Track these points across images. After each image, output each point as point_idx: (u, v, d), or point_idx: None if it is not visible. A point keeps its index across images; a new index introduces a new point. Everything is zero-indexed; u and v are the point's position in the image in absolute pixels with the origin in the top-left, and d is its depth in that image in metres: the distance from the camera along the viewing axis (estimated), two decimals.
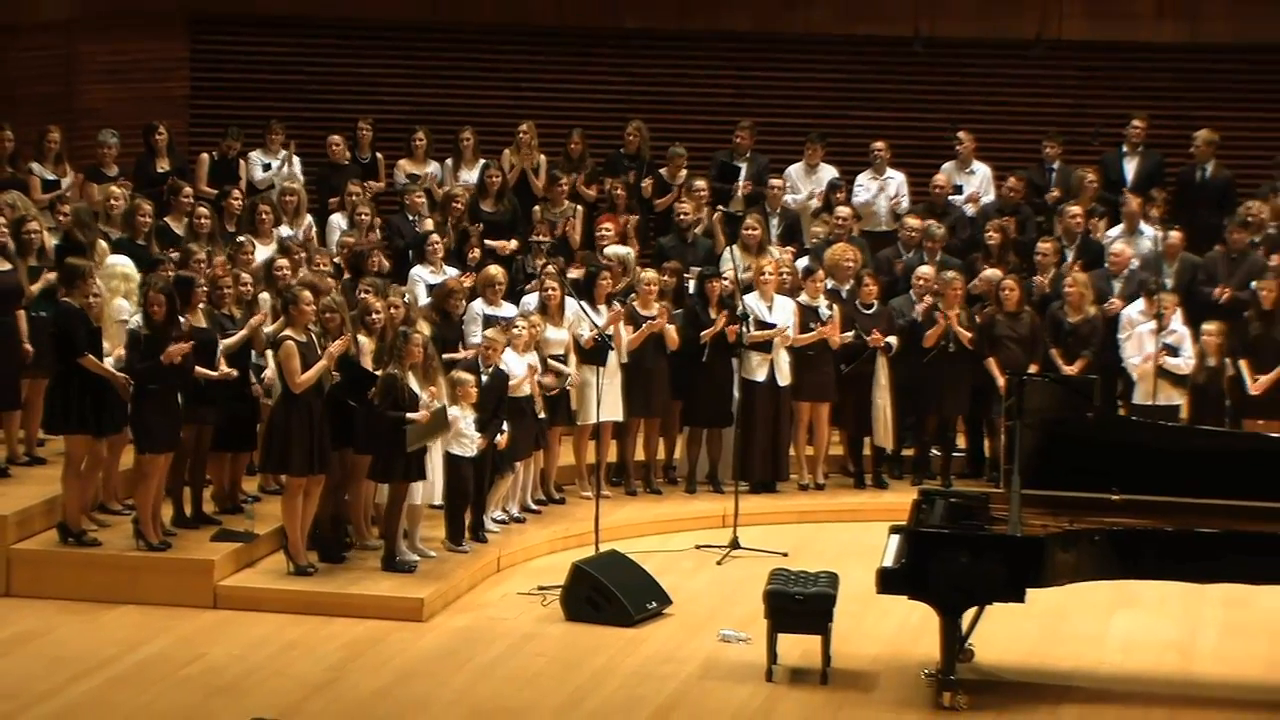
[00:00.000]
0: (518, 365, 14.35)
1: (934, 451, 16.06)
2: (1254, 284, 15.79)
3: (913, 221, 16.91)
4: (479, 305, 15.27)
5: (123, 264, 14.58)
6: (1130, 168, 17.87)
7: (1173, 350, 15.28)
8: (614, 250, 16.24)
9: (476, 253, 16.41)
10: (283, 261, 14.86)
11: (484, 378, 13.94)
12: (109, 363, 13.27)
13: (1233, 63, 18.97)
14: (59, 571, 13.34)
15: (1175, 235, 16.46)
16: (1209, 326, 15.40)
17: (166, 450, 13.30)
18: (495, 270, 15.64)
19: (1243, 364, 15.35)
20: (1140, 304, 15.53)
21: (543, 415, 14.74)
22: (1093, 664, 12.51)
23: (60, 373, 13.34)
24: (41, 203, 16.01)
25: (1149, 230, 16.76)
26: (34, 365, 14.13)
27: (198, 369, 13.32)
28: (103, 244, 15.01)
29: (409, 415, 13.17)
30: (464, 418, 13.74)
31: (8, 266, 14.21)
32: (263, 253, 15.53)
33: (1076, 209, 16.87)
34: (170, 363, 13.02)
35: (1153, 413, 14.97)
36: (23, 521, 13.59)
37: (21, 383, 14.26)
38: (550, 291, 15.05)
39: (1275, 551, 11.75)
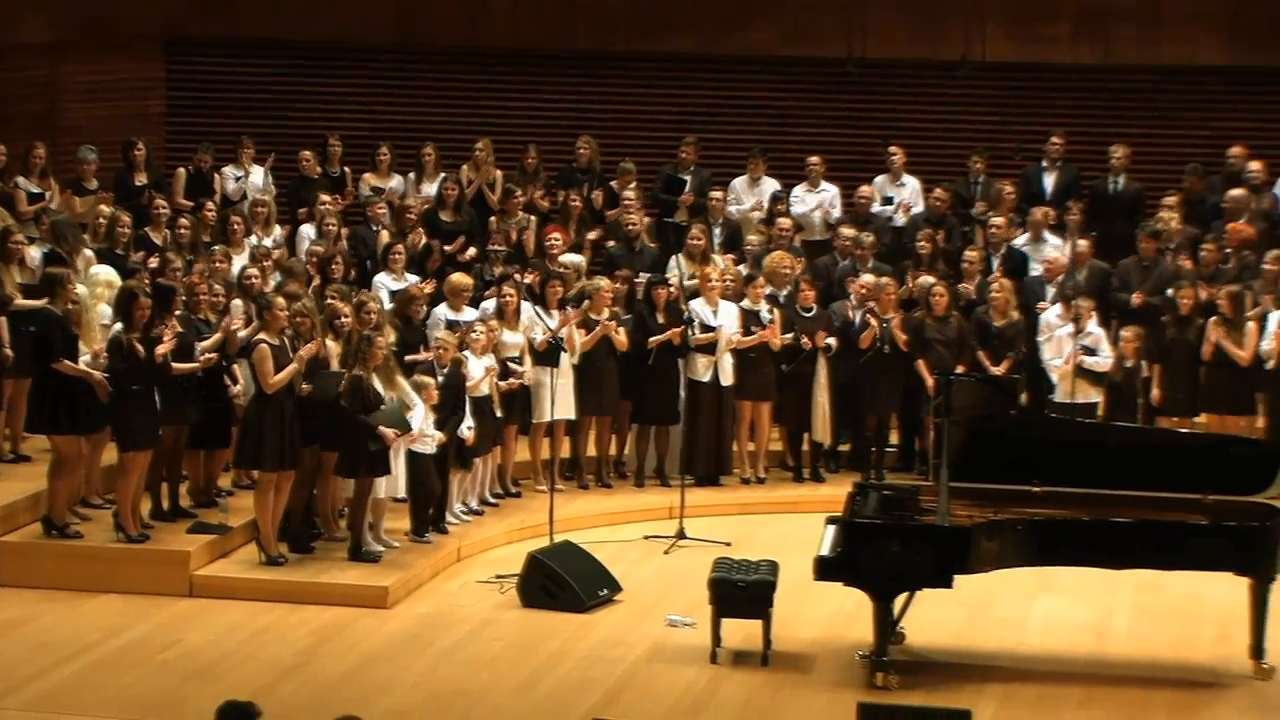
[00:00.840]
0: (476, 367, 14.35)
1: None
2: (1169, 291, 15.86)
3: (847, 231, 16.95)
4: (442, 310, 15.25)
5: (106, 273, 14.56)
6: (1049, 181, 17.95)
7: (1090, 351, 15.34)
8: (568, 258, 16.24)
9: (438, 261, 16.41)
10: (253, 270, 14.86)
11: (441, 378, 13.93)
12: (88, 363, 13.24)
13: (1143, 83, 19.07)
14: (43, 562, 13.30)
15: (1084, 243, 16.53)
16: (1127, 331, 15.46)
17: (146, 447, 13.28)
18: (462, 278, 15.63)
19: (1155, 369, 15.42)
20: (1059, 308, 15.59)
21: (500, 414, 14.73)
22: (1015, 645, 12.56)
23: (40, 375, 13.35)
24: (27, 215, 15.96)
25: (1053, 240, 16.85)
26: (15, 369, 14.07)
27: (175, 365, 13.28)
28: (88, 253, 15.00)
29: (380, 430, 13.20)
30: (425, 418, 13.72)
31: None
32: (236, 262, 15.49)
33: (999, 219, 16.94)
34: (151, 361, 13.01)
35: (1072, 410, 15.04)
36: (8, 515, 13.58)
37: (4, 384, 14.18)
38: (508, 297, 15.04)
39: (1183, 539, 11.84)
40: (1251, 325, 15.36)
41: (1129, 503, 12.08)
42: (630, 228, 17.03)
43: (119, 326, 13.26)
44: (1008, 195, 17.34)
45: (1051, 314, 15.66)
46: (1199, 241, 16.64)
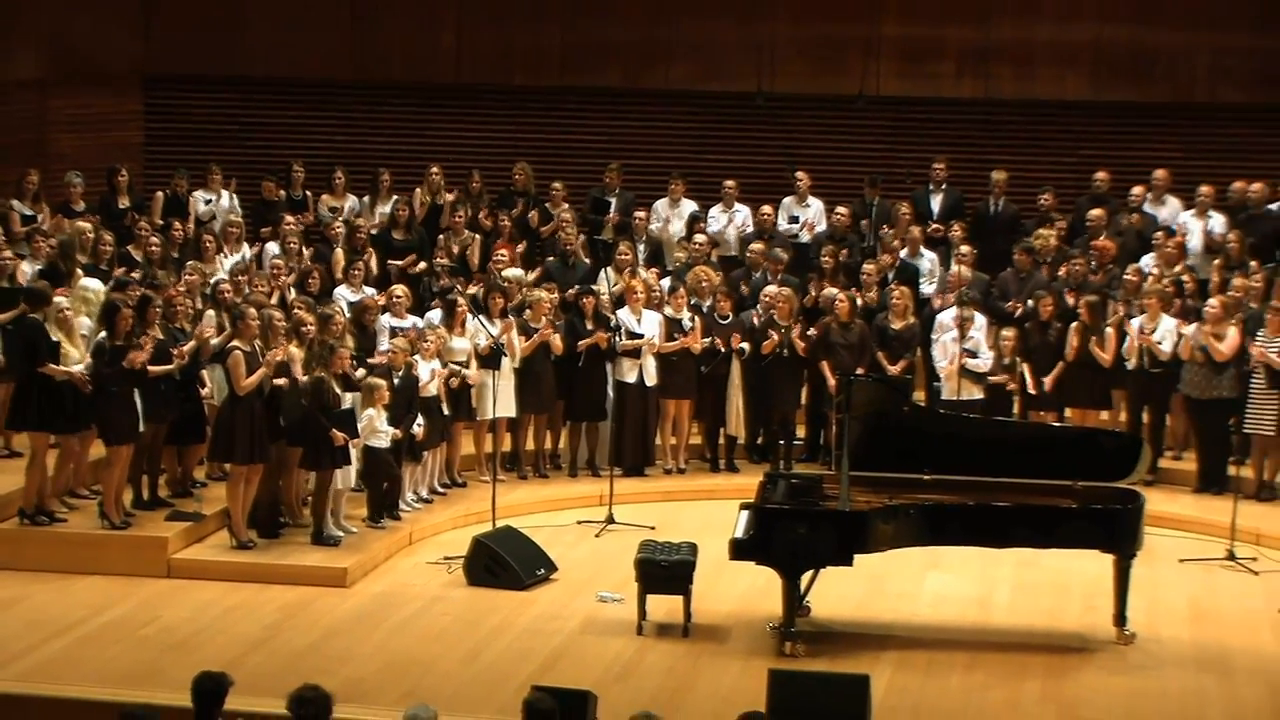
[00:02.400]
0: (425, 370, 14.32)
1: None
2: (1030, 301, 15.96)
3: (757, 246, 16.98)
4: (386, 318, 15.20)
5: (93, 286, 14.45)
6: (936, 202, 18.01)
7: (972, 353, 15.41)
8: (511, 272, 16.19)
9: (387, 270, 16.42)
10: (225, 284, 14.79)
11: (396, 380, 13.89)
12: (79, 368, 13.16)
13: (1018, 115, 19.15)
14: (33, 547, 13.23)
15: (965, 250, 16.53)
16: (1006, 332, 15.54)
17: (128, 442, 13.23)
18: (398, 287, 15.61)
19: (1025, 367, 15.50)
20: (953, 312, 15.63)
21: (447, 412, 14.69)
22: (908, 616, 12.62)
23: (23, 379, 13.27)
24: (20, 235, 15.85)
25: (929, 254, 16.92)
26: (5, 373, 13.96)
27: (151, 368, 13.21)
28: (78, 270, 14.93)
29: (335, 433, 13.18)
30: (379, 416, 13.68)
31: None
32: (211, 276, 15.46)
33: (894, 237, 17.01)
34: (132, 367, 12.95)
35: (957, 406, 15.07)
36: (4, 504, 13.47)
37: None
38: (459, 307, 15.01)
39: (1055, 522, 11.94)
40: (1111, 330, 15.47)
41: (1008, 489, 12.17)
42: (568, 245, 17.00)
43: (103, 334, 13.21)
44: (903, 215, 17.40)
45: (946, 316, 15.69)
46: (1068, 256, 16.74)
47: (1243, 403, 14.97)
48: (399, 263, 16.80)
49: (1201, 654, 11.93)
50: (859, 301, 15.94)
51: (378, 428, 13.68)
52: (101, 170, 17.86)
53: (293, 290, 15.34)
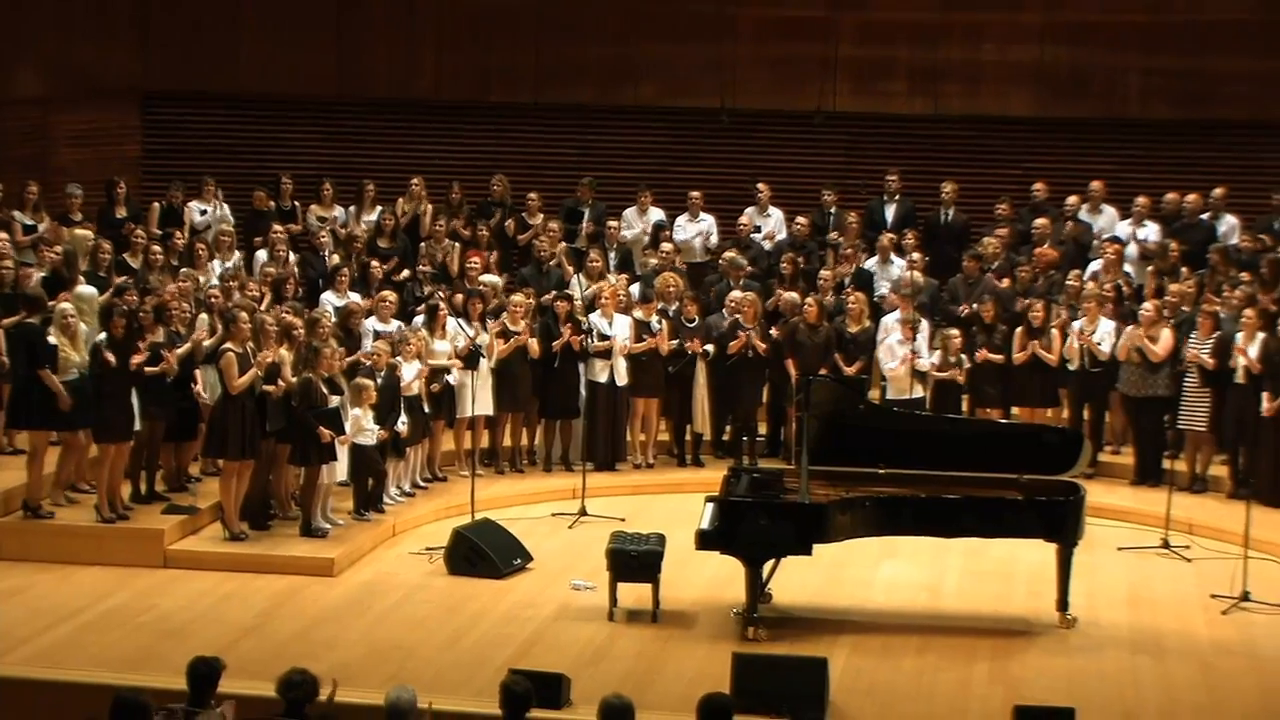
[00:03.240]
0: (409, 371, 14.27)
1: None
2: (975, 305, 15.97)
3: (728, 254, 16.97)
4: (371, 321, 15.15)
5: (90, 291, 14.38)
6: (890, 212, 18.03)
7: (916, 354, 15.41)
8: (487, 278, 16.16)
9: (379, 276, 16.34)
10: (217, 290, 14.74)
11: (379, 381, 13.84)
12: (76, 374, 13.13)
13: (966, 130, 19.20)
14: (37, 539, 13.17)
15: (917, 258, 16.59)
16: (952, 332, 15.56)
17: (120, 441, 13.20)
18: (387, 293, 15.55)
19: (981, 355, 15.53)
20: (899, 314, 15.63)
21: (429, 410, 14.65)
22: (863, 602, 12.62)
23: (23, 380, 13.23)
24: (24, 244, 15.76)
25: (899, 261, 16.94)
26: (7, 375, 13.88)
27: (147, 368, 13.20)
28: (80, 277, 14.86)
29: (321, 430, 13.13)
30: (365, 415, 13.64)
31: None
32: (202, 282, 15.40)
33: (849, 245, 17.01)
34: (130, 368, 12.96)
35: (906, 404, 15.09)
36: (6, 499, 13.40)
37: (3, 388, 13.98)
38: (440, 311, 14.97)
39: (1001, 512, 11.96)
40: (1056, 332, 15.50)
41: (957, 482, 12.19)
42: (542, 253, 16.97)
43: (101, 337, 13.17)
44: (852, 224, 17.40)
45: (892, 319, 15.69)
46: (1014, 263, 16.78)
47: (1177, 401, 15.03)
48: (383, 267, 16.72)
49: (1138, 636, 11.96)
50: (821, 305, 15.96)
51: (364, 426, 13.63)
52: (101, 182, 17.79)
53: (269, 296, 15.21)
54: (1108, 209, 17.64)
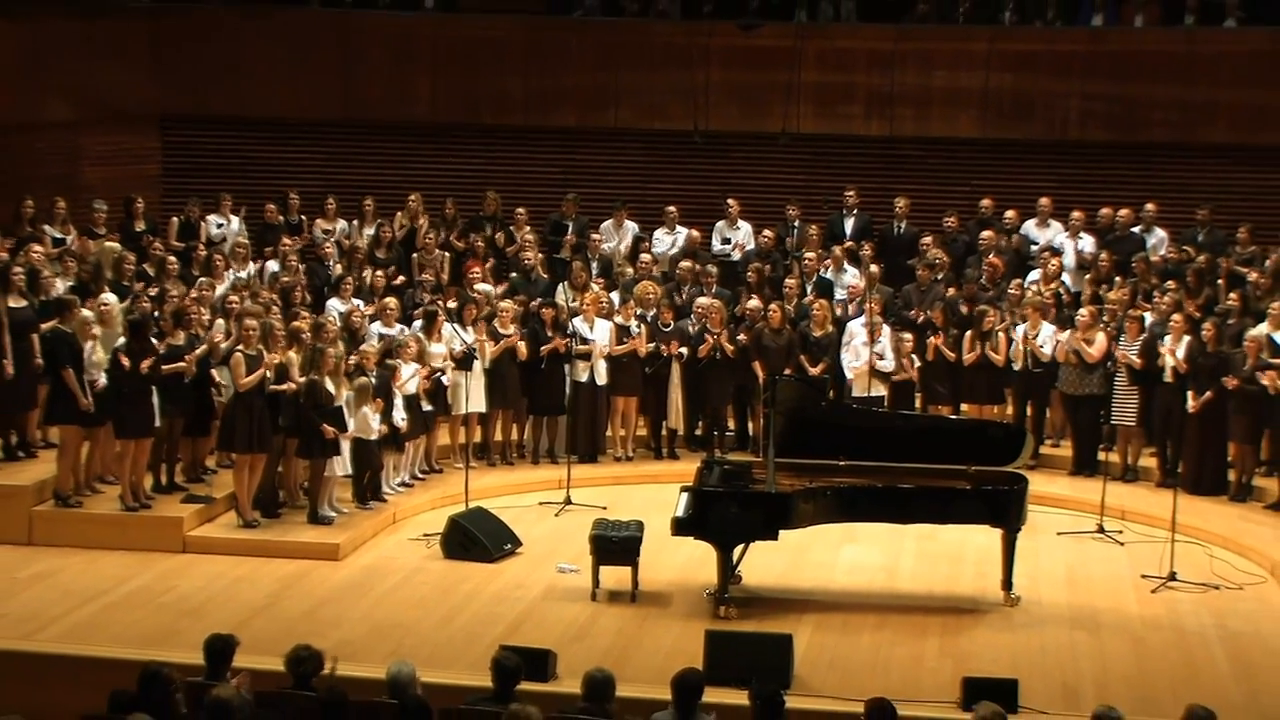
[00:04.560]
0: (407, 371, 14.26)
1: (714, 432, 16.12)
2: (928, 311, 16.00)
3: (685, 264, 16.94)
4: (376, 326, 15.13)
5: (110, 300, 14.34)
6: (848, 225, 18.05)
7: (881, 356, 15.44)
8: (481, 287, 16.14)
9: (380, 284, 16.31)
10: (233, 296, 14.71)
11: (373, 379, 13.78)
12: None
13: (917, 150, 19.19)
14: (67, 526, 13.15)
15: (874, 270, 16.62)
16: (905, 336, 15.59)
17: (139, 437, 13.15)
18: (389, 300, 15.54)
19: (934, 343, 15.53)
20: (863, 319, 15.65)
21: (428, 407, 14.63)
22: (826, 583, 12.64)
23: (55, 380, 13.21)
24: (53, 255, 15.71)
25: (851, 270, 16.95)
26: (44, 375, 13.83)
27: (165, 367, 13.18)
28: (105, 286, 14.83)
29: (325, 427, 13.12)
30: (371, 414, 13.61)
31: (24, 303, 13.91)
32: (218, 289, 15.34)
33: (811, 255, 17.03)
34: (144, 371, 12.95)
35: (866, 402, 15.12)
36: (40, 489, 13.38)
37: (39, 388, 13.93)
38: (438, 317, 14.95)
39: (951, 501, 12.02)
40: (1002, 336, 15.53)
41: (911, 473, 12.21)
42: (527, 262, 16.97)
43: (120, 342, 13.13)
44: (813, 236, 17.42)
45: (856, 324, 15.71)
46: (961, 272, 16.82)
47: (1109, 398, 15.07)
48: (382, 275, 16.68)
49: (1075, 614, 12.01)
50: (786, 311, 15.97)
51: (370, 423, 13.61)
52: (123, 199, 17.77)
53: (279, 301, 15.17)
54: (1054, 223, 17.69)
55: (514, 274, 17.09)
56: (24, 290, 13.96)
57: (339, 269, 16.57)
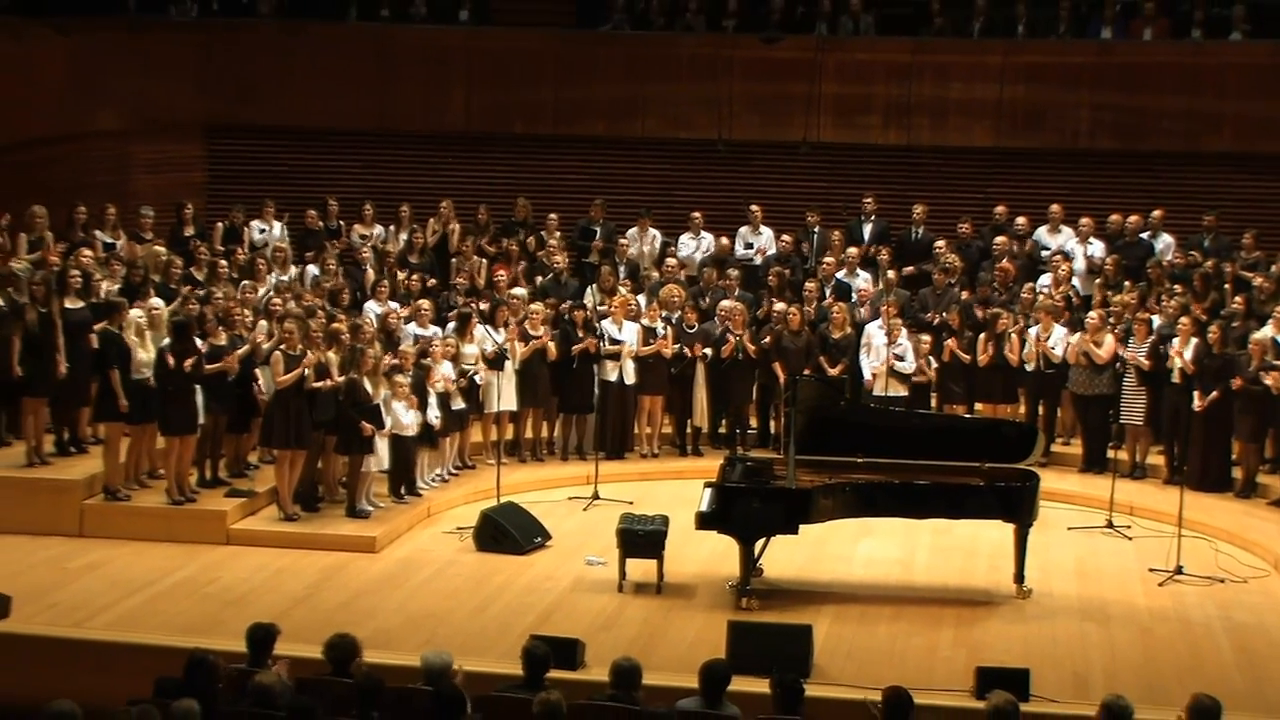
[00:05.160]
0: (446, 369, 14.28)
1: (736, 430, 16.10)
2: (944, 314, 15.95)
3: (708, 269, 16.92)
4: (411, 326, 15.15)
5: (157, 302, 14.39)
6: (867, 230, 18.00)
7: (899, 357, 15.41)
8: (518, 291, 16.12)
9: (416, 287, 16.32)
10: (276, 299, 14.74)
11: (409, 378, 13.79)
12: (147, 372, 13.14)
13: (934, 159, 19.11)
14: (117, 519, 13.19)
15: (891, 275, 16.61)
16: (924, 337, 15.56)
17: (182, 434, 13.19)
18: (423, 302, 15.57)
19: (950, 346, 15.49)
20: (880, 321, 15.62)
21: (461, 405, 14.65)
22: (844, 576, 12.63)
23: (104, 379, 13.24)
24: (102, 259, 15.76)
25: (864, 274, 16.91)
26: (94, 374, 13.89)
27: (208, 367, 13.22)
28: (152, 289, 14.88)
29: (363, 425, 13.15)
30: (405, 410, 13.63)
31: (81, 304, 13.99)
32: (260, 292, 15.38)
33: (830, 259, 17.00)
34: (187, 370, 13.01)
35: (885, 401, 15.09)
36: (90, 484, 13.42)
37: (91, 387, 14.01)
38: (471, 319, 14.97)
39: (965, 496, 11.97)
40: (1015, 337, 15.49)
41: (927, 470, 12.18)
42: (556, 265, 16.97)
43: (167, 342, 13.17)
44: (836, 242, 17.40)
45: (874, 326, 15.68)
46: (975, 276, 16.77)
47: (1118, 398, 15.03)
48: (416, 278, 16.70)
49: (1085, 605, 11.97)
50: (805, 313, 15.94)
51: (403, 421, 13.63)
52: (172, 205, 17.82)
53: (325, 305, 15.20)
54: (1065, 229, 17.63)
55: (542, 278, 17.09)
56: (80, 291, 14.03)
57: (371, 274, 16.58)
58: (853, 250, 17.14)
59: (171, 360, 12.96)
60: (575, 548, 13.07)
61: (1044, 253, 17.30)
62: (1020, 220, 17.65)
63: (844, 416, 12.50)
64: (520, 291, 16.18)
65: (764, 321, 16.05)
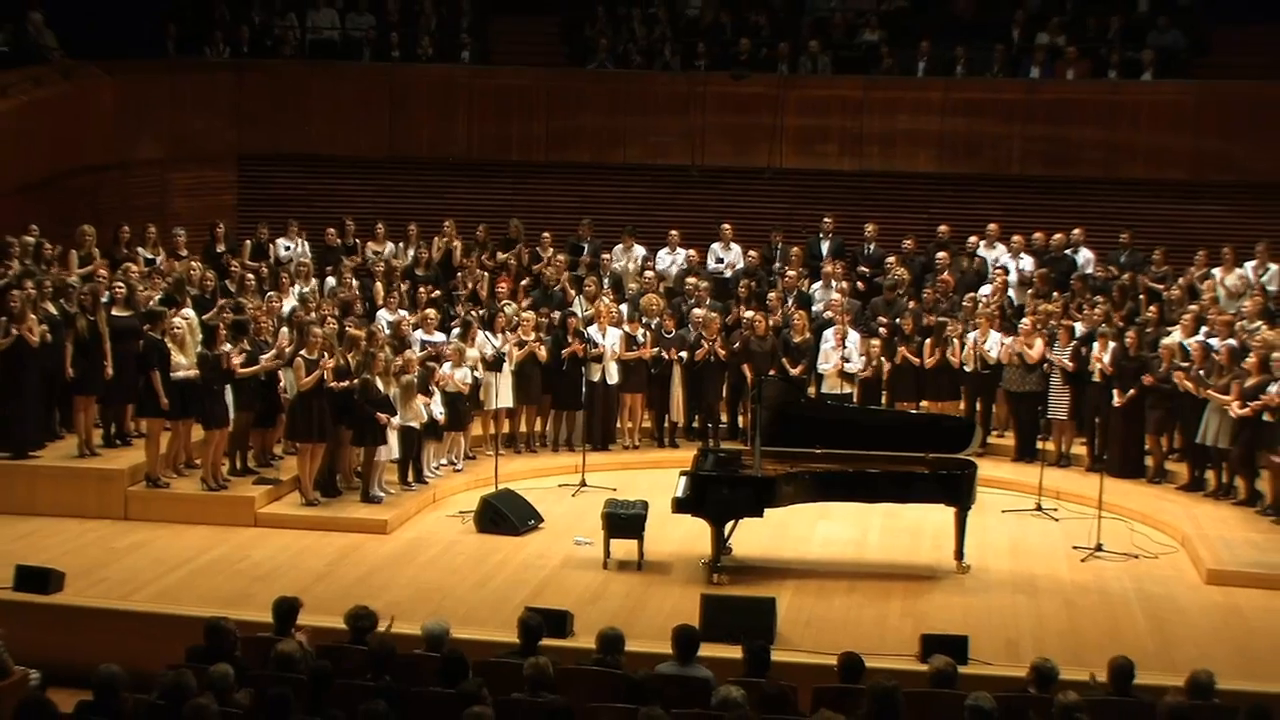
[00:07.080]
0: (458, 372, 14.26)
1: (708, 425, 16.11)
2: (898, 320, 15.98)
3: (691, 280, 16.95)
4: (419, 333, 15.13)
5: (189, 313, 14.37)
6: (824, 247, 18.03)
7: (846, 359, 15.42)
8: (507, 305, 16.08)
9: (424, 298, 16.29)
10: (300, 309, 14.72)
11: (415, 379, 13.78)
12: (185, 373, 13.08)
13: (884, 183, 19.17)
14: (157, 504, 13.16)
15: (844, 285, 16.63)
16: (874, 342, 15.59)
17: (218, 427, 13.20)
18: (430, 310, 15.54)
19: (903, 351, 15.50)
20: (834, 328, 15.63)
21: (467, 404, 14.62)
22: (804, 554, 12.63)
23: (146, 380, 13.21)
24: (144, 273, 15.72)
25: (835, 284, 16.96)
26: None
27: (241, 370, 13.22)
28: (188, 299, 14.85)
29: (379, 415, 13.11)
30: (417, 404, 13.62)
31: (129, 313, 13.95)
32: (285, 303, 15.35)
33: (792, 272, 17.02)
34: (229, 370, 13.04)
35: (837, 398, 15.10)
36: (134, 472, 13.40)
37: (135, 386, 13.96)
38: (472, 326, 14.96)
39: (911, 483, 11.98)
40: (956, 342, 15.52)
41: (877, 459, 12.19)
42: (550, 279, 16.95)
43: (226, 347, 13.22)
44: (795, 257, 17.42)
45: (830, 332, 15.69)
46: (921, 288, 16.79)
47: (1046, 395, 15.07)
48: (424, 290, 16.67)
49: (1016, 580, 12.00)
50: (770, 320, 15.97)
51: (413, 414, 13.61)
52: (206, 225, 17.80)
53: (338, 313, 15.17)
54: (999, 245, 17.69)
55: (535, 289, 17.09)
56: (125, 301, 14.00)
57: (379, 286, 16.55)
58: (829, 268, 17.13)
59: (236, 360, 12.97)
60: (565, 529, 13.06)
61: (991, 268, 17.31)
62: (972, 239, 17.70)
63: (804, 412, 12.51)
64: (511, 307, 16.17)
65: (733, 327, 16.06)
